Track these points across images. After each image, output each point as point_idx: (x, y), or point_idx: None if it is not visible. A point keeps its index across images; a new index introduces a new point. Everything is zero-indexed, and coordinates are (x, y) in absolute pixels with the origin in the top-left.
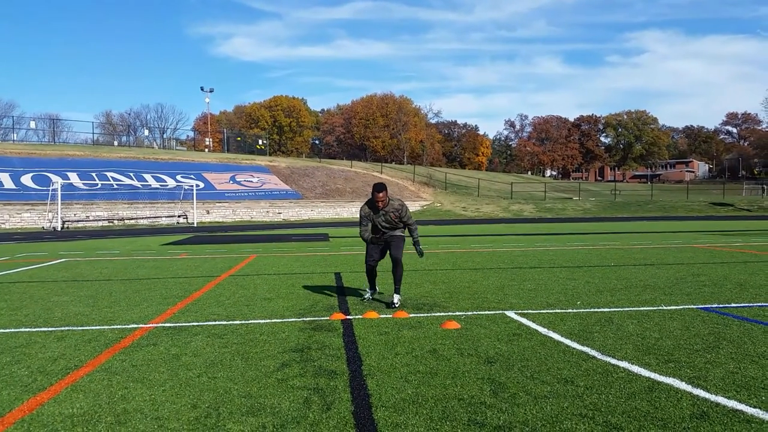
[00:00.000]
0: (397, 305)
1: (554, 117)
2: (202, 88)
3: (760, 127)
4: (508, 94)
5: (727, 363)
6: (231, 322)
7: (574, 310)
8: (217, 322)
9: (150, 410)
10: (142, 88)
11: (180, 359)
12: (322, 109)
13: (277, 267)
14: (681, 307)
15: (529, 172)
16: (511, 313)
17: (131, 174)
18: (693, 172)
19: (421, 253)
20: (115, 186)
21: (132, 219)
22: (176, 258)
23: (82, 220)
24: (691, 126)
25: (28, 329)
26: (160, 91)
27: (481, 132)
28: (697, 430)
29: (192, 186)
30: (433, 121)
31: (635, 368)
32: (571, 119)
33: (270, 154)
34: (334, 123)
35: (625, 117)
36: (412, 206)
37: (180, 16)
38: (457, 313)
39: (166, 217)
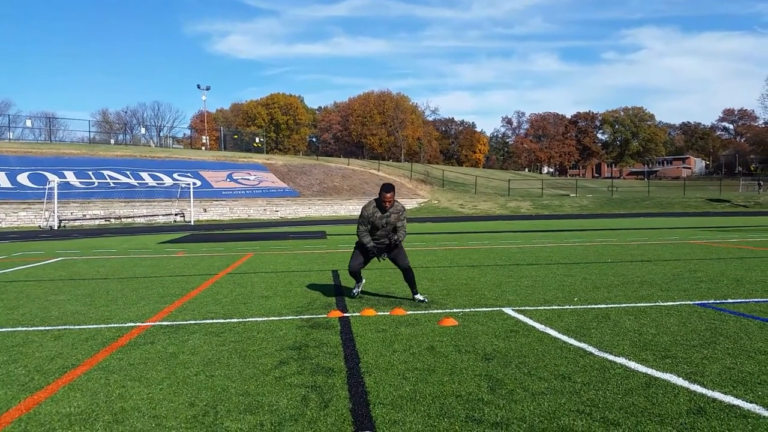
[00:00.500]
0: (426, 300)
1: (551, 114)
2: (198, 86)
3: (756, 124)
4: (505, 92)
5: (723, 359)
6: (228, 320)
7: (571, 307)
8: (214, 321)
9: (147, 409)
10: (138, 86)
11: (177, 357)
12: (320, 107)
13: (275, 265)
14: (678, 303)
15: (527, 169)
16: (508, 310)
17: (128, 172)
18: (690, 168)
19: (396, 242)
20: (112, 184)
21: (129, 217)
22: (173, 256)
23: (79, 219)
24: (688, 122)
25: (25, 328)
26: (156, 89)
27: (478, 129)
28: (694, 425)
29: (189, 184)
30: (430, 119)
31: (632, 364)
32: (568, 116)
33: (267, 152)
34: (331, 120)
35: (622, 114)
36: (410, 203)
37: (177, 13)
38: (455, 310)
39: (163, 215)
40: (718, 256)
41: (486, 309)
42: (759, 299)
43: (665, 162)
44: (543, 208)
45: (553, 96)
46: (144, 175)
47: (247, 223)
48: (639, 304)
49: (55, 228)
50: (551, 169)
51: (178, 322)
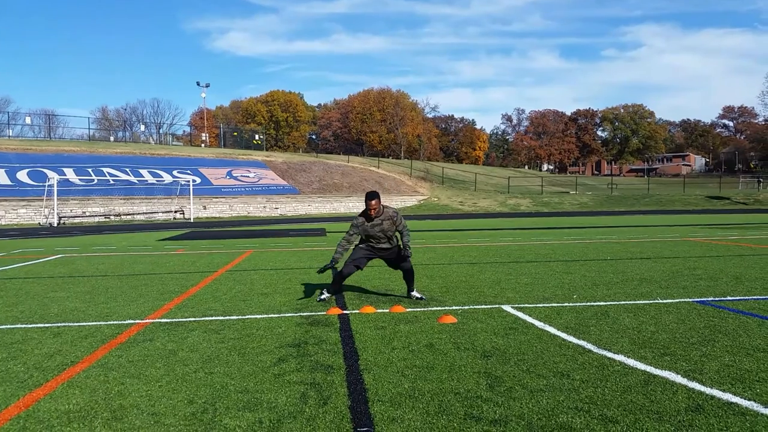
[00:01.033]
0: (424, 297)
1: (551, 111)
2: (198, 83)
3: (756, 121)
4: (504, 89)
5: (722, 356)
6: (228, 317)
7: (571, 304)
8: (213, 318)
9: (146, 406)
10: (138, 83)
11: (176, 355)
12: (319, 104)
13: (274, 262)
14: (677, 300)
15: (526, 167)
16: (507, 307)
17: (127, 169)
18: (689, 165)
19: (408, 256)
20: (112, 181)
21: (128, 214)
22: (173, 253)
23: (79, 216)
24: (688, 120)
25: (24, 325)
26: (156, 86)
27: (478, 126)
28: (693, 423)
29: (188, 181)
30: (430, 116)
31: (631, 362)
32: (568, 113)
33: (267, 149)
34: (331, 118)
35: (622, 111)
36: (409, 201)
37: (176, 10)
38: (454, 308)
39: (162, 212)
40: (717, 253)
41: (485, 306)
42: (758, 297)
43: (665, 159)
44: (543, 206)
45: (553, 93)
46: (144, 172)
47: (247, 221)
48: (638, 302)
49: (55, 225)
50: (551, 167)
51: (177, 320)
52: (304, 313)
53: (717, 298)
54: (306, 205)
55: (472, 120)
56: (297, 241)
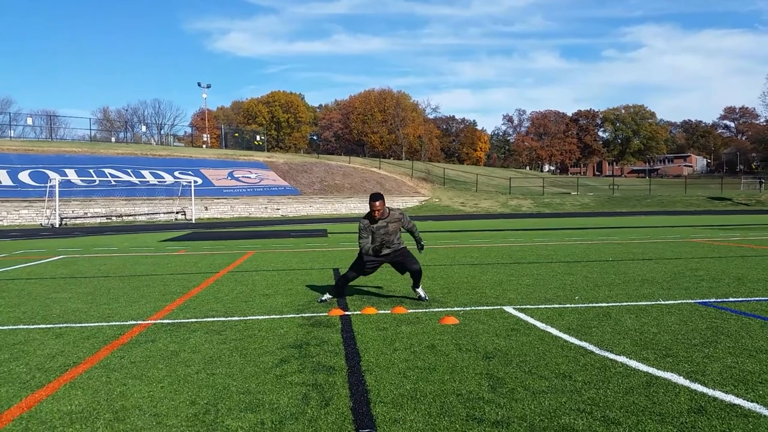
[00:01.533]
0: (427, 297)
1: (552, 112)
2: (199, 84)
3: (757, 122)
4: (505, 89)
5: (724, 357)
6: (229, 318)
7: (572, 305)
8: (215, 319)
9: (148, 407)
10: (139, 84)
11: (178, 356)
12: (320, 105)
13: (276, 263)
14: (679, 301)
15: (528, 168)
16: (509, 308)
17: (129, 170)
18: (691, 166)
19: (421, 248)
20: (113, 182)
21: (130, 215)
22: (174, 254)
23: (80, 217)
24: (689, 120)
25: (26, 326)
26: (157, 87)
27: (479, 127)
28: (695, 424)
29: (190, 182)
30: (431, 117)
31: (633, 363)
32: (569, 114)
33: (268, 150)
34: (332, 118)
35: (623, 112)
36: (411, 202)
37: (176, 11)
38: (456, 309)
39: (164, 213)
40: (719, 254)
41: (487, 307)
42: (760, 298)
43: (666, 160)
44: (544, 207)
45: (554, 94)
46: (145, 173)
47: (249, 222)
48: (640, 303)
49: (57, 226)
50: (552, 167)
51: (179, 321)
52: (306, 314)
53: (719, 300)
54: (307, 206)
55: (473, 121)
56: (298, 242)
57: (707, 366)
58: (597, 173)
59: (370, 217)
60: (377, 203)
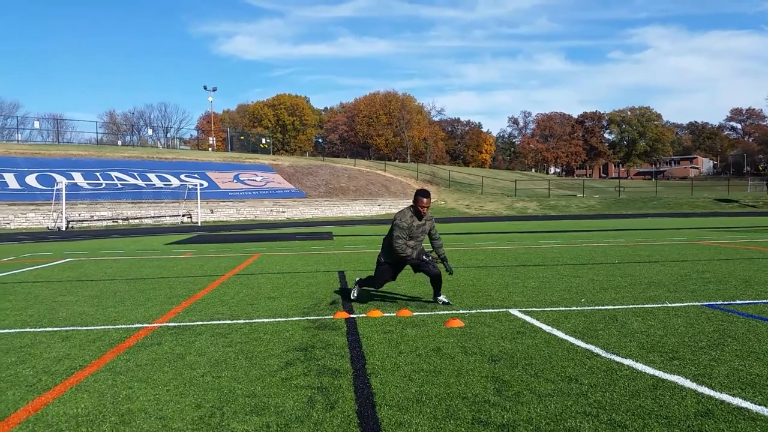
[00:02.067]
0: (450, 302)
1: (558, 114)
2: (205, 87)
3: (764, 123)
4: (511, 92)
5: (731, 360)
6: (235, 321)
7: (578, 308)
8: (221, 322)
9: (154, 410)
10: (145, 88)
11: (184, 359)
12: (326, 108)
13: (281, 266)
14: (685, 304)
15: (533, 170)
16: (515, 311)
17: (135, 174)
18: (697, 168)
19: (450, 271)
20: (120, 186)
21: (136, 218)
22: (180, 257)
23: (87, 220)
24: (695, 122)
25: (33, 329)
26: (163, 90)
27: (484, 129)
28: (702, 427)
29: (196, 185)
30: (436, 119)
31: (640, 366)
32: (575, 116)
33: (273, 153)
34: (337, 121)
35: (629, 113)
36: None
37: (183, 15)
38: (461, 312)
39: (170, 216)
40: (726, 256)
41: (492, 310)
42: None
43: (673, 162)
44: (550, 209)
45: (560, 96)
46: (151, 176)
47: (254, 224)
48: (646, 306)
49: (63, 229)
50: (558, 170)
51: (184, 324)
52: (311, 317)
53: (726, 302)
54: (313, 209)
55: (479, 123)
56: (304, 244)
57: (714, 369)
58: (603, 175)
59: (417, 213)
60: (426, 200)
